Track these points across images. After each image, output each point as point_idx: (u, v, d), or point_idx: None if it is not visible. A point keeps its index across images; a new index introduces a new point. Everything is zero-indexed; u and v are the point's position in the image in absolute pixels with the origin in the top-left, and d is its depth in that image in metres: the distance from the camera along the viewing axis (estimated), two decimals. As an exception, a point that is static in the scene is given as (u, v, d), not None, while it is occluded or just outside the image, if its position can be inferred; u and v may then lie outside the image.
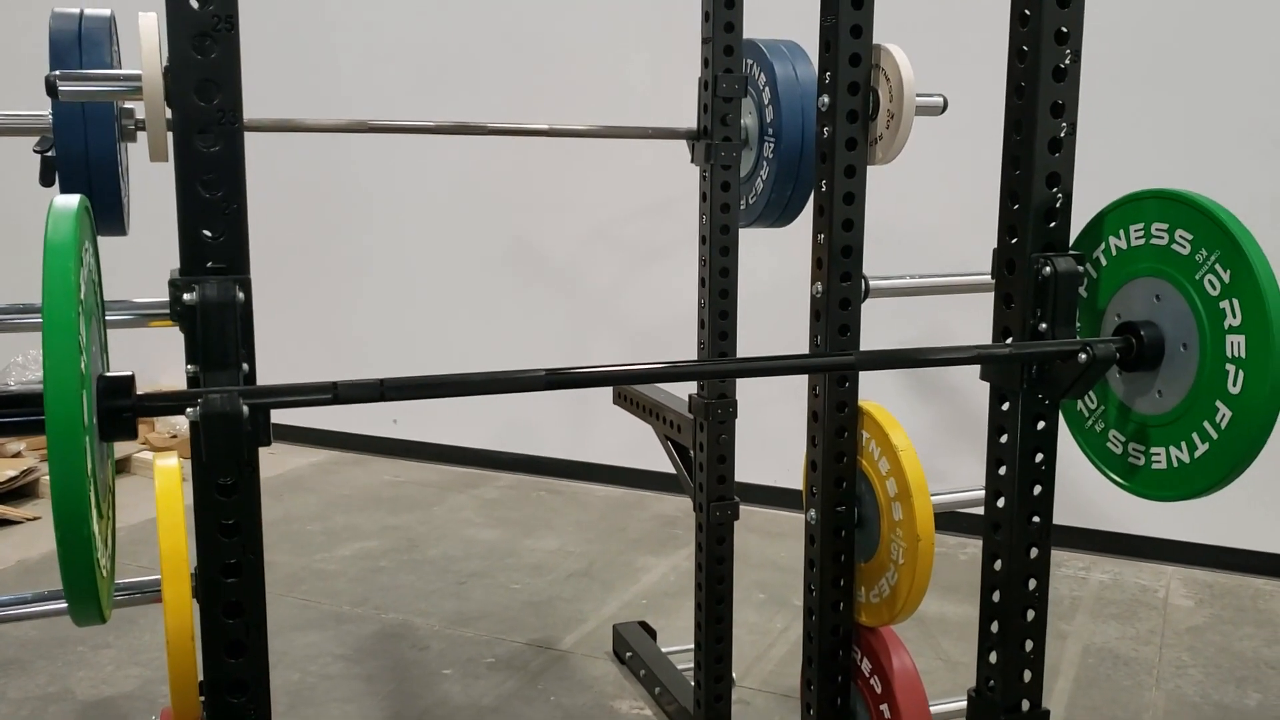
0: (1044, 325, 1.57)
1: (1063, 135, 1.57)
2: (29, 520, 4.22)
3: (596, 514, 4.46)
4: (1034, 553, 1.67)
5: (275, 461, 5.05)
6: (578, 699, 2.96)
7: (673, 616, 3.45)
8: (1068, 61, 1.55)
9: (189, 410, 1.13)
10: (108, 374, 1.13)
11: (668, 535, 4.20)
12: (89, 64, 1.99)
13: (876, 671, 2.10)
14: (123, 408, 1.12)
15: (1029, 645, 1.70)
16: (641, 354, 4.62)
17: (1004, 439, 1.66)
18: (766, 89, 2.51)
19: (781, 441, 4.10)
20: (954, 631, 3.35)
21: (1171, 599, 3.64)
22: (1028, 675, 1.70)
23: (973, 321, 4.01)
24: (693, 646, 3.07)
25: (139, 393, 1.16)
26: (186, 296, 1.18)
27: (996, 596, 1.70)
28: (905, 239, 3.99)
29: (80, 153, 1.98)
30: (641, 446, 4.68)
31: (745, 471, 3.93)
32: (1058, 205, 1.58)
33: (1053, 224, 1.58)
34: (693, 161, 2.58)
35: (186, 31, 1.16)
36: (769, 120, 2.51)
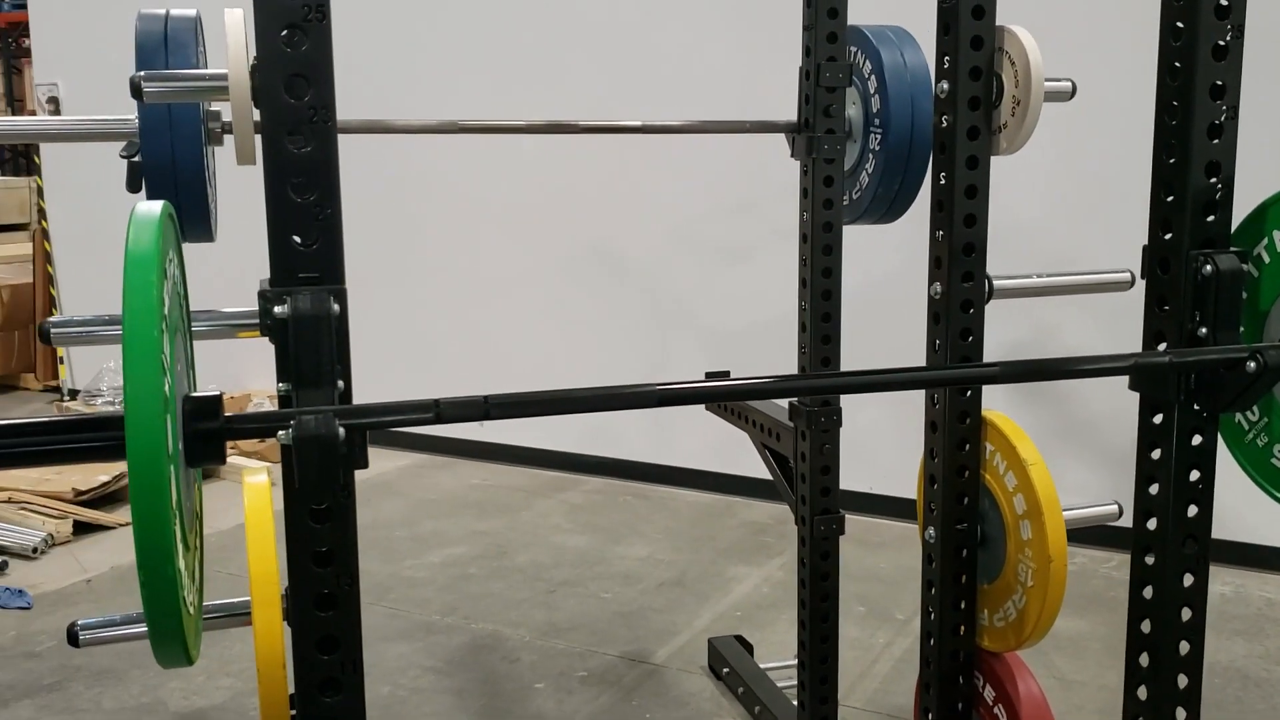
0: (1204, 330, 1.42)
1: (1223, 120, 1.42)
2: (122, 526, 4.23)
3: (685, 520, 4.35)
4: (1189, 580, 1.52)
5: (362, 465, 5.02)
6: (674, 716, 2.85)
7: (768, 630, 3.32)
8: (1229, 38, 1.40)
9: (280, 433, 1.05)
10: (194, 394, 1.05)
11: (759, 544, 4.07)
12: (175, 65, 1.92)
13: (1001, 700, 1.96)
14: (211, 431, 1.03)
15: (1183, 681, 1.55)
16: (723, 357, 4.46)
17: (1156, 454, 1.51)
18: (872, 78, 2.38)
19: (875, 445, 3.95)
20: (1067, 647, 3.17)
21: (1301, 614, 3.42)
22: (1182, 714, 1.56)
23: (1083, 321, 3.85)
24: (794, 663, 2.95)
25: (227, 412, 1.07)
26: (277, 309, 1.09)
27: (1147, 627, 1.56)
28: (1008, 235, 3.80)
29: (166, 157, 1.91)
30: (729, 451, 4.55)
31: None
32: (1218, 197, 1.43)
33: (1211, 218, 1.43)
34: (793, 156, 2.45)
35: (275, 23, 1.07)
36: (875, 110, 2.38)
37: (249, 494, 1.66)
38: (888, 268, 3.70)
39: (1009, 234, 3.81)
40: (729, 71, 4.33)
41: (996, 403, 4.32)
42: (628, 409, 1.16)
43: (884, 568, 3.81)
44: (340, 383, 1.13)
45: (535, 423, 4.99)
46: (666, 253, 4.65)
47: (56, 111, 5.42)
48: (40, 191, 6.01)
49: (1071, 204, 3.76)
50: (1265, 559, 3.69)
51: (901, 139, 2.34)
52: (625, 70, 4.52)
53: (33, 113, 7.15)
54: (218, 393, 1.06)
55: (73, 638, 1.62)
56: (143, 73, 1.52)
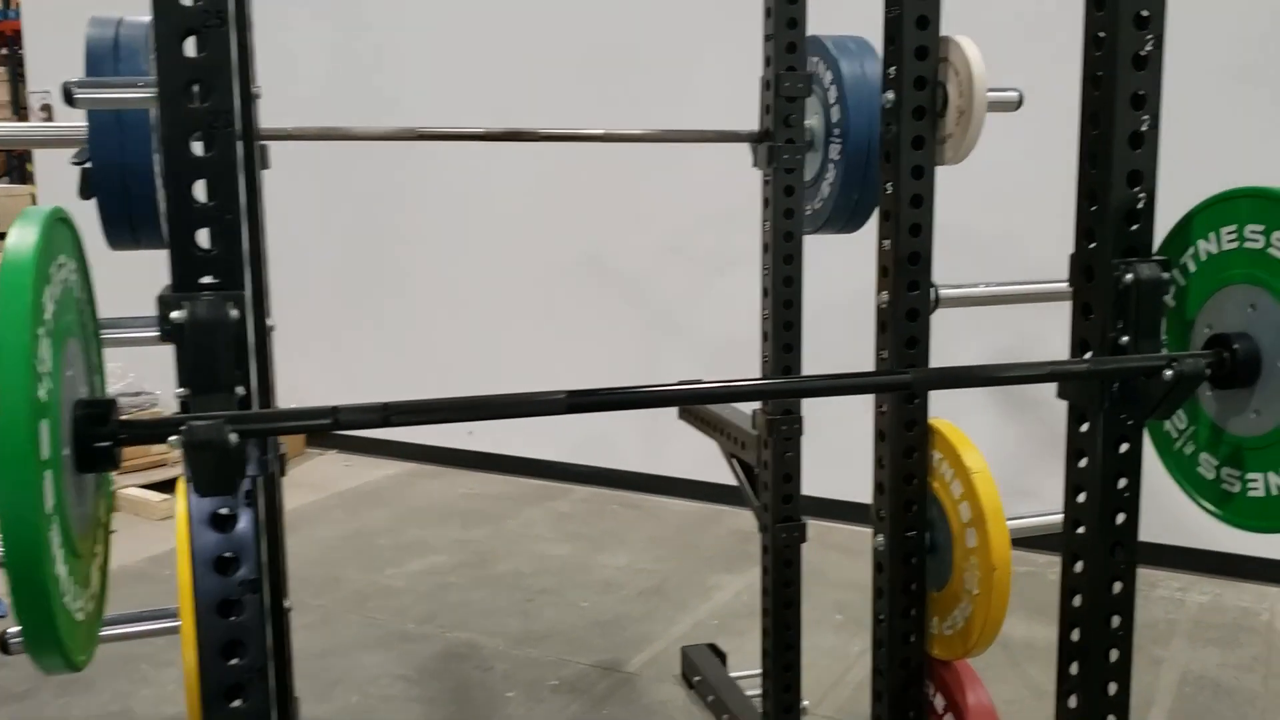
0: (1125, 338, 1.42)
1: (1144, 129, 1.42)
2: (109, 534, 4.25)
3: (671, 529, 4.34)
4: (1117, 587, 1.51)
5: (353, 474, 5.03)
6: (642, 725, 2.85)
7: (744, 638, 3.31)
8: (1149, 48, 1.40)
9: (171, 439, 1.05)
10: (84, 399, 1.05)
11: (742, 552, 4.06)
12: (125, 72, 1.94)
13: (951, 709, 1.96)
14: (101, 436, 1.04)
15: (1112, 689, 1.54)
16: (713, 367, 4.48)
17: (1083, 463, 1.50)
18: (833, 87, 2.38)
19: (864, 455, 3.91)
20: (1042, 657, 3.15)
21: (1276, 623, 3.40)
22: (1111, 723, 1.55)
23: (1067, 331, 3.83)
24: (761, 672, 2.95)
25: (123, 418, 1.08)
26: (174, 314, 1.10)
27: (1076, 635, 1.55)
28: (982, 244, 3.80)
29: (116, 163, 1.92)
30: (718, 460, 4.54)
31: (826, 486, 3.73)
32: (1140, 206, 1.43)
33: (1134, 226, 1.43)
34: (755, 165, 2.46)
35: (173, 29, 1.08)
36: (835, 120, 2.38)
37: (182, 500, 1.66)
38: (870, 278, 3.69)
39: (1007, 242, 3.82)
40: (721, 81, 4.33)
41: (987, 415, 4.31)
42: (534, 415, 1.17)
43: (864, 576, 3.75)
44: (240, 389, 1.13)
45: (526, 432, 4.98)
46: (658, 262, 4.64)
47: (50, 119, 5.46)
48: (34, 200, 6.06)
49: (1037, 213, 3.76)
50: (1243, 568, 3.67)
51: (861, 149, 2.34)
52: (603, 82, 4.53)
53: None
54: (110, 398, 1.07)
55: (3, 645, 1.63)
56: (76, 79, 1.54)
